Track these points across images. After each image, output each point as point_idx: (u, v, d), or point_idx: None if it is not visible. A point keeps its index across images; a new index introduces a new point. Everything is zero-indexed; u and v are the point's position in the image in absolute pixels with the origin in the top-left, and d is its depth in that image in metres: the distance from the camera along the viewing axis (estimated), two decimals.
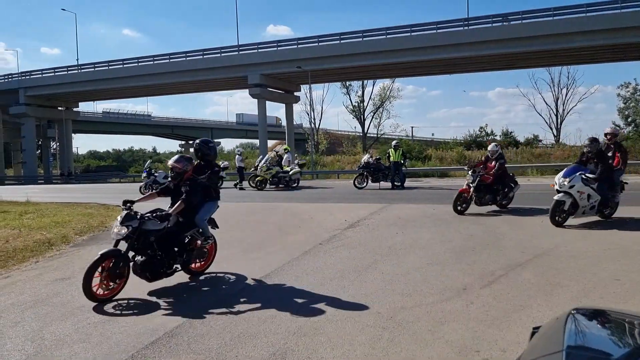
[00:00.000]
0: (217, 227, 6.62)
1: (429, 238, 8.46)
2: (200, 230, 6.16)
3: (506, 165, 11.80)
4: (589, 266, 6.19)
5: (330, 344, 3.99)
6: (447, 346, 3.87)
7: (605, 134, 10.01)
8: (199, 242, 6.15)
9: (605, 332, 1.64)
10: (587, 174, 8.86)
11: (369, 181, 19.35)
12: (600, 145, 9.35)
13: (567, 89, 52.07)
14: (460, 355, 3.73)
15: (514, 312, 4.57)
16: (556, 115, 52.71)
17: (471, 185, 10.88)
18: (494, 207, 11.37)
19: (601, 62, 40.36)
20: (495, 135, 46.97)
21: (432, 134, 77.84)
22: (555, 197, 8.90)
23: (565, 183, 8.81)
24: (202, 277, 6.30)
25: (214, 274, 6.45)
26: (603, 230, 8.59)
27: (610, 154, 9.57)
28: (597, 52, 33.83)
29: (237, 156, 23.55)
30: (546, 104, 54.90)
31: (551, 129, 52.90)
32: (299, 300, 5.19)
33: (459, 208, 10.80)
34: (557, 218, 8.84)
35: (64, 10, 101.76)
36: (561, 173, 9.14)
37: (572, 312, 1.71)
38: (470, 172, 11.13)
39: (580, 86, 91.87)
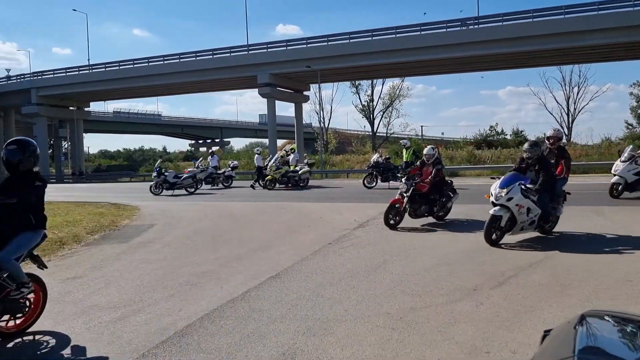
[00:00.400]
0: (45, 267, 4.83)
1: (438, 238, 8.44)
2: (10, 274, 4.23)
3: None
4: (601, 267, 6.13)
5: (339, 345, 3.99)
6: (456, 347, 3.86)
7: (548, 138, 8.88)
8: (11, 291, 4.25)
9: (617, 336, 1.63)
10: (526, 184, 7.59)
11: (379, 180, 19.31)
12: (541, 150, 8.16)
13: (578, 87, 51.65)
14: (470, 356, 3.71)
15: (524, 313, 4.55)
16: (567, 114, 52.36)
17: (405, 195, 9.44)
18: (431, 219, 10.05)
19: (614, 61, 39.96)
20: (506, 134, 46.62)
21: (442, 133, 77.65)
22: (491, 212, 7.54)
23: (503, 194, 7.49)
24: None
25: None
26: (615, 231, 8.51)
27: (553, 160, 8.53)
28: (609, 50, 33.48)
29: (256, 155, 23.66)
30: (557, 102, 54.41)
31: (562, 128, 52.46)
32: (309, 300, 5.19)
33: (391, 222, 9.35)
34: (492, 236, 7.53)
35: (75, 10, 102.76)
36: (497, 182, 7.79)
37: (584, 315, 1.70)
38: (403, 180, 9.77)
39: (592, 85, 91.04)
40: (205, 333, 4.34)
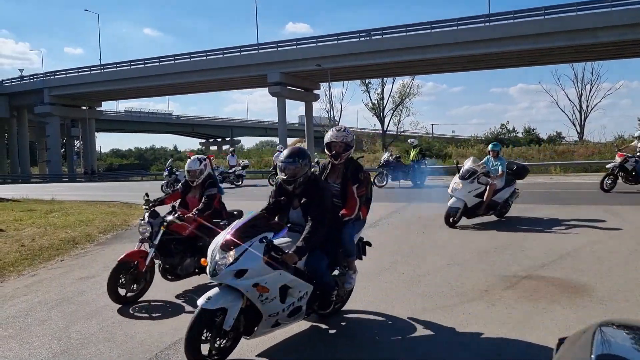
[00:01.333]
0: None
1: (449, 238, 8.39)
2: None
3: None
4: (615, 268, 6.06)
5: (351, 345, 3.99)
6: (467, 349, 3.85)
7: (327, 144, 4.65)
8: None
9: (633, 345, 1.61)
10: (275, 239, 3.76)
11: (389, 179, 19.27)
12: (312, 168, 4.26)
13: (591, 84, 51.21)
14: (481, 358, 3.70)
15: (536, 315, 4.51)
16: (579, 112, 51.90)
17: (151, 243, 5.40)
18: (198, 280, 5.88)
19: (627, 58, 39.53)
20: (517, 132, 46.20)
21: (453, 131, 77.28)
22: (201, 302, 3.54)
23: (229, 261, 3.54)
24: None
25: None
26: (630, 230, 8.41)
27: (338, 183, 4.55)
28: (623, 47, 33.12)
29: (277, 153, 23.78)
30: (569, 100, 53.91)
31: (574, 125, 52.11)
32: None
33: (125, 294, 5.27)
34: (200, 351, 3.51)
35: (87, 10, 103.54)
36: (221, 237, 3.74)
37: (600, 324, 1.68)
38: (146, 216, 5.50)
39: (604, 82, 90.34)
40: None
